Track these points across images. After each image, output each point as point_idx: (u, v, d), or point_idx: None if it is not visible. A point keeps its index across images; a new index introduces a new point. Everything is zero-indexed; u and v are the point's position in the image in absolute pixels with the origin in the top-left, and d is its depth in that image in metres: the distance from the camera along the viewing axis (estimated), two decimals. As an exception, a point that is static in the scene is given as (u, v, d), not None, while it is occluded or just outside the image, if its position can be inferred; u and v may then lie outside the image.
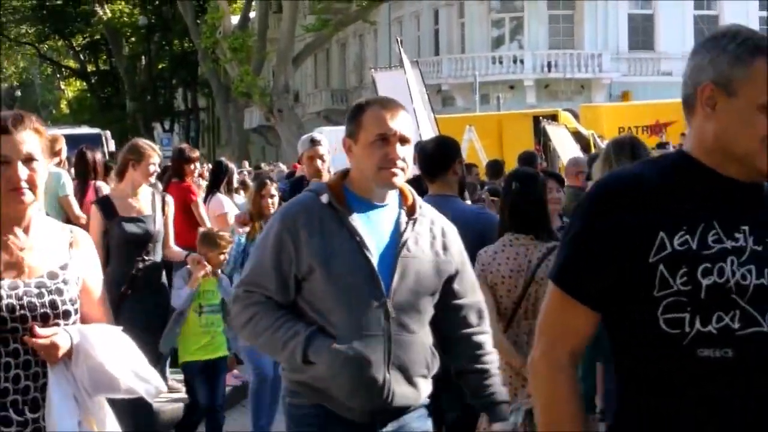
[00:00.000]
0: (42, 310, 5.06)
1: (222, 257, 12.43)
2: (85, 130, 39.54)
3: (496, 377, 5.75)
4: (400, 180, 5.04)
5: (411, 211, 5.20)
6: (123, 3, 71.99)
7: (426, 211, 5.31)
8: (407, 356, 5.27)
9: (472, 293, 5.70)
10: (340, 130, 19.84)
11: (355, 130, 5.17)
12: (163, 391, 6.54)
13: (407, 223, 5.18)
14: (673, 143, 29.71)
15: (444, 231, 5.39)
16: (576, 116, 36.26)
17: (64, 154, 17.63)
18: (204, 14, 58.91)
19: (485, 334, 5.73)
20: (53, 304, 5.07)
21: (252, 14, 61.64)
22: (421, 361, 5.40)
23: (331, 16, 58.35)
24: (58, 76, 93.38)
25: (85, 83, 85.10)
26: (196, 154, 19.59)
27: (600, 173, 8.72)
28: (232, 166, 19.34)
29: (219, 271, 13.13)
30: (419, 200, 5.28)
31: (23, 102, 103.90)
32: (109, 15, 70.36)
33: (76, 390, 5.12)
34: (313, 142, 13.48)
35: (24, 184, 5.18)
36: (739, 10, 57.58)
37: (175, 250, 12.75)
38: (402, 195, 5.21)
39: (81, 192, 16.07)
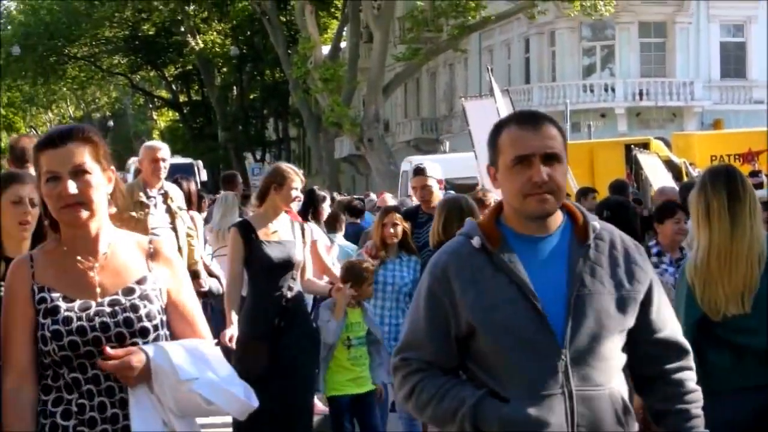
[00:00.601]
0: (116, 330, 4.92)
1: (369, 288, 12.04)
2: (177, 159, 36.75)
3: (699, 419, 4.79)
4: (553, 205, 4.28)
5: (583, 237, 4.39)
6: (215, 34, 72.63)
7: (604, 232, 4.45)
8: (595, 415, 4.40)
9: (671, 323, 4.76)
10: (429, 159, 23.18)
11: (495, 155, 4.42)
12: (254, 408, 6.18)
13: (579, 251, 4.35)
14: (766, 171, 29.61)
15: (628, 253, 4.48)
16: (668, 144, 35.23)
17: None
18: (295, 45, 58.67)
19: (688, 371, 4.78)
20: (128, 322, 4.92)
21: (343, 44, 62.08)
22: (613, 419, 4.48)
23: (422, 45, 58.14)
24: (150, 106, 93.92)
25: (177, 113, 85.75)
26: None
27: (696, 202, 8.39)
28: (323, 194, 18.89)
29: (363, 302, 12.96)
30: (593, 220, 4.44)
31: (116, 132, 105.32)
32: (201, 46, 70.77)
33: (163, 413, 4.94)
34: (417, 171, 13.46)
35: (76, 199, 5.03)
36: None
37: (316, 282, 12.54)
38: (571, 217, 4.41)
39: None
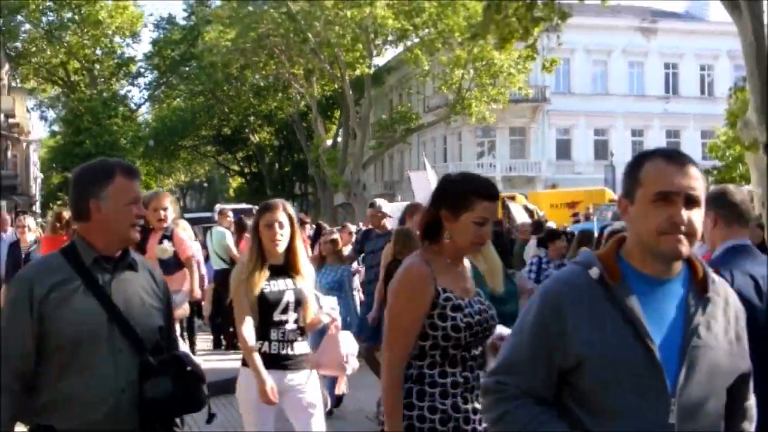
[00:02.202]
0: (492, 323, 4.41)
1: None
2: (243, 206, 36.23)
3: None
4: (687, 249, 3.02)
5: (702, 288, 3.09)
6: (265, 133, 71.90)
7: (719, 287, 3.17)
8: None
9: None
10: (393, 204, 19.45)
11: (632, 187, 3.11)
12: None
13: (697, 303, 3.07)
14: (583, 213, 28.91)
15: (737, 315, 3.21)
16: (526, 197, 34.84)
17: (231, 219, 17.71)
18: (312, 139, 59.38)
19: (752, 400, 3.48)
20: (494, 317, 4.38)
21: (339, 138, 62.33)
22: None
23: (384, 140, 58.04)
24: (227, 175, 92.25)
25: (243, 179, 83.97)
26: (307, 220, 20.78)
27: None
28: (326, 227, 17.07)
29: None
30: (712, 274, 3.15)
31: (208, 191, 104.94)
32: (258, 140, 70.82)
33: None
34: (371, 205, 12.07)
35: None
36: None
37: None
38: (691, 267, 3.11)
39: (237, 242, 16.39)
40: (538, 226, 20.42)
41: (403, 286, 3.90)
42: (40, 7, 63.38)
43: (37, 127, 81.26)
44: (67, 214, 13.92)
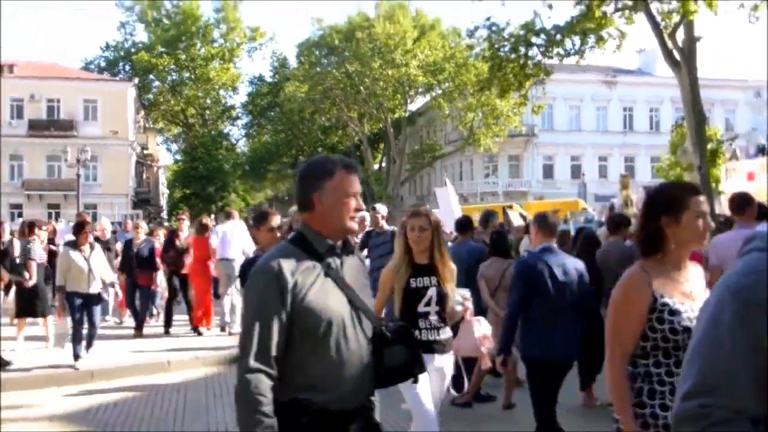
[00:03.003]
0: None
1: None
2: None
3: None
4: None
5: None
6: None
7: None
8: None
9: None
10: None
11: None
12: None
13: None
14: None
15: None
16: (521, 206, 30.33)
17: None
18: (363, 164, 57.96)
19: None
20: None
21: (383, 164, 63.53)
22: None
23: (416, 165, 58.70)
24: None
25: None
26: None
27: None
28: None
29: None
30: None
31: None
32: None
33: None
34: (373, 208, 10.53)
35: None
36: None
37: None
38: None
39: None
40: (528, 227, 20.62)
41: (620, 292, 3.32)
42: (166, 69, 64.61)
43: (164, 156, 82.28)
44: (207, 220, 14.30)
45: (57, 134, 53.92)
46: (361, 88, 52.39)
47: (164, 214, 69.43)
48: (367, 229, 11.06)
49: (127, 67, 65.64)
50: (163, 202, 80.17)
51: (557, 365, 5.76)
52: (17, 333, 11.31)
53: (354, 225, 3.06)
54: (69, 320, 10.23)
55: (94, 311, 10.22)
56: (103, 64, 66.59)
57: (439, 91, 53.96)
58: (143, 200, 64.13)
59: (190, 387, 9.28)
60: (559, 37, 20.74)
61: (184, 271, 13.15)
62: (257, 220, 6.70)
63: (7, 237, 11.95)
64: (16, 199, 53.19)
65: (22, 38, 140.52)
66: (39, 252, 11.59)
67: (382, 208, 10.58)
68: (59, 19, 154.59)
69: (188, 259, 13.06)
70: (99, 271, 10.14)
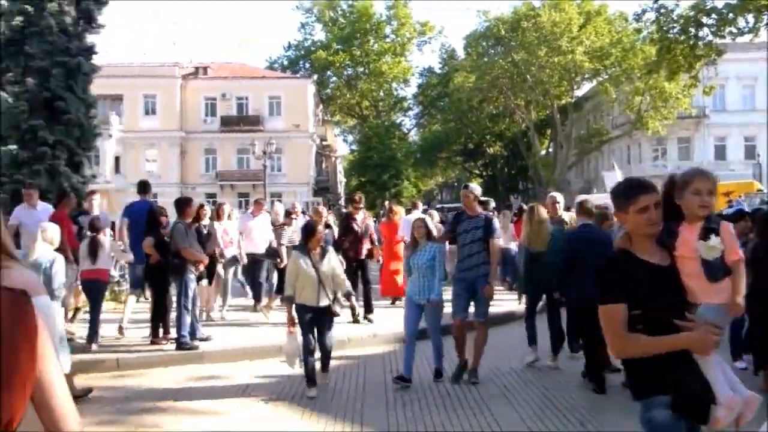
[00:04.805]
0: None
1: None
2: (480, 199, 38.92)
3: None
4: None
5: None
6: (498, 147, 70.17)
7: None
8: None
9: None
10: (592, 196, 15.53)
11: None
12: None
13: None
14: None
15: None
16: None
17: None
18: (530, 150, 58.58)
19: None
20: None
21: (550, 149, 61.38)
22: None
23: (583, 149, 56.92)
24: (470, 176, 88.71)
25: (481, 179, 77.35)
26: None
27: None
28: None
29: None
30: None
31: (456, 190, 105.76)
32: (492, 151, 70.05)
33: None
34: (465, 187, 8.82)
35: None
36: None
37: None
38: None
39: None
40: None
41: None
42: (342, 65, 66.56)
43: (341, 146, 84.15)
44: (395, 206, 14.50)
45: (246, 129, 56.61)
46: (528, 76, 51.90)
47: (342, 201, 71.29)
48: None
49: (307, 65, 67.88)
50: (341, 189, 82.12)
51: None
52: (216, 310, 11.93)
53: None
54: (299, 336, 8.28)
55: (326, 329, 8.22)
56: (285, 62, 69.43)
57: (606, 76, 52.37)
58: (323, 188, 66.03)
59: (368, 363, 9.41)
60: (731, 15, 19.54)
61: (362, 256, 12.58)
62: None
63: (207, 221, 12.16)
64: (211, 189, 56.33)
65: (213, 43, 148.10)
66: (288, 236, 12.86)
67: (475, 188, 8.86)
68: (246, 22, 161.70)
69: (365, 244, 12.56)
70: (329, 282, 8.16)
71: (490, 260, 8.40)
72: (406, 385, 8.07)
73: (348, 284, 8.43)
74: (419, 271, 8.24)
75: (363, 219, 12.87)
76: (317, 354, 8.14)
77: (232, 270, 13.19)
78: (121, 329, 10.73)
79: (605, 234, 8.27)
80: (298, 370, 8.11)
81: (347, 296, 8.37)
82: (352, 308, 9.54)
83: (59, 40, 20.79)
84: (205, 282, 11.36)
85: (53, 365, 1.83)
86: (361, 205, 13.09)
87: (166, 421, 7.11)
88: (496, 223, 8.74)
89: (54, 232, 7.75)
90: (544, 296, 9.35)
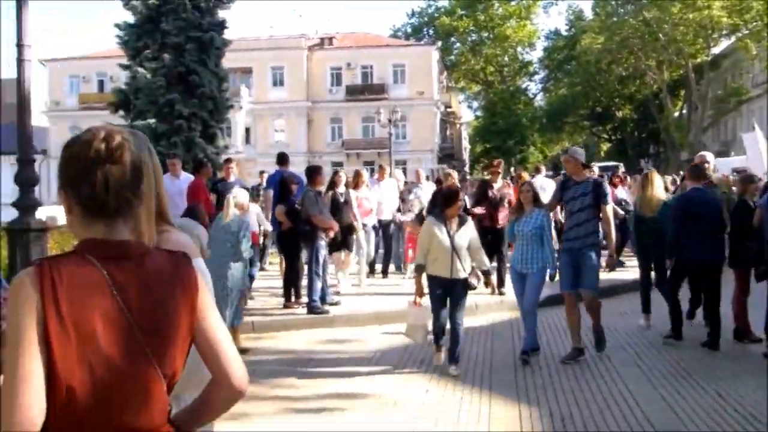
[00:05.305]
0: None
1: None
2: (611, 163, 35.21)
3: None
4: None
5: None
6: (627, 109, 68.31)
7: None
8: None
9: None
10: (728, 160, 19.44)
11: None
12: None
13: None
14: None
15: None
16: None
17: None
18: (662, 112, 56.25)
19: None
20: None
21: (684, 111, 59.41)
22: None
23: (720, 110, 54.18)
24: (598, 141, 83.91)
25: (610, 144, 78.58)
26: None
27: None
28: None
29: None
30: None
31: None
32: (621, 115, 68.17)
33: None
34: (565, 151, 9.63)
35: None
36: None
37: None
38: None
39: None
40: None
41: None
42: (466, 30, 66.21)
43: (465, 113, 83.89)
44: (523, 173, 14.17)
45: (371, 98, 57.32)
46: (660, 34, 49.93)
47: (467, 168, 71.06)
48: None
49: (431, 32, 67.98)
50: (465, 156, 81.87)
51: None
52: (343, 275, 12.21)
53: None
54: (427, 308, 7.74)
55: (458, 306, 7.52)
56: (409, 30, 69.78)
57: (746, 32, 49.57)
58: (447, 155, 66.00)
59: (495, 330, 9.42)
60: None
61: (499, 225, 11.53)
62: None
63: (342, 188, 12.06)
64: (338, 157, 57.20)
65: (338, 13, 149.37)
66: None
67: (577, 151, 8.20)
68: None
69: (502, 213, 11.55)
70: (465, 253, 7.43)
71: (605, 228, 7.95)
72: (534, 356, 7.82)
73: (486, 261, 7.71)
74: (524, 238, 7.76)
75: (501, 186, 11.88)
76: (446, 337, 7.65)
77: (372, 238, 13.02)
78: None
79: (716, 197, 8.48)
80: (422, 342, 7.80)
81: (485, 274, 7.56)
82: (492, 287, 8.81)
83: (192, 17, 21.70)
84: (343, 253, 11.53)
85: (215, 318, 1.94)
86: (500, 170, 12.28)
87: (300, 382, 7.35)
88: (607, 186, 8.20)
89: (244, 197, 8.33)
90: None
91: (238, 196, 8.21)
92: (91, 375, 1.67)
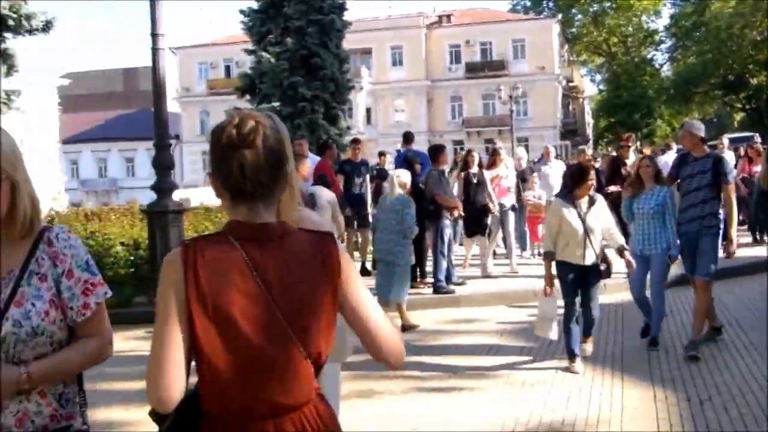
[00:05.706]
0: None
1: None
2: (746, 134, 32.88)
3: None
4: None
5: None
6: (763, 75, 62.53)
7: None
8: None
9: None
10: None
11: None
12: None
13: None
14: None
15: None
16: None
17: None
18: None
19: None
20: None
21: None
22: None
23: None
24: (731, 111, 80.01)
25: (745, 113, 72.92)
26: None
27: None
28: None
29: None
30: None
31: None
32: (756, 82, 63.18)
33: None
34: (682, 126, 7.43)
35: None
36: None
37: None
38: None
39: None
40: None
41: None
42: (588, 1, 65.00)
43: (588, 87, 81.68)
44: (646, 149, 13.80)
45: (490, 74, 56.92)
46: (798, -5, 47.15)
47: (590, 144, 69.34)
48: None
49: (551, 4, 67.01)
50: (589, 132, 79.89)
51: None
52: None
53: None
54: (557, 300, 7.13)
55: (592, 294, 7.05)
56: (528, 3, 68.54)
57: None
58: (570, 131, 64.69)
59: (626, 310, 9.14)
60: None
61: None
62: None
63: (475, 168, 11.41)
64: (458, 136, 57.31)
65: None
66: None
67: (695, 125, 7.60)
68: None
69: None
70: (598, 236, 6.90)
71: (727, 210, 7.23)
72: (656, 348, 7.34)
73: (621, 238, 7.13)
74: (644, 217, 7.25)
75: (634, 162, 10.62)
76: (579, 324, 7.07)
77: (511, 219, 12.20)
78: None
79: None
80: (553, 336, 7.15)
81: (620, 252, 7.00)
82: (628, 263, 7.34)
83: (313, 0, 22.07)
84: (478, 238, 11.42)
85: (365, 295, 1.97)
86: (630, 144, 11.66)
87: (427, 359, 7.39)
88: (728, 164, 7.54)
89: (406, 177, 8.64)
90: None
91: (401, 176, 8.52)
92: (231, 350, 1.77)
